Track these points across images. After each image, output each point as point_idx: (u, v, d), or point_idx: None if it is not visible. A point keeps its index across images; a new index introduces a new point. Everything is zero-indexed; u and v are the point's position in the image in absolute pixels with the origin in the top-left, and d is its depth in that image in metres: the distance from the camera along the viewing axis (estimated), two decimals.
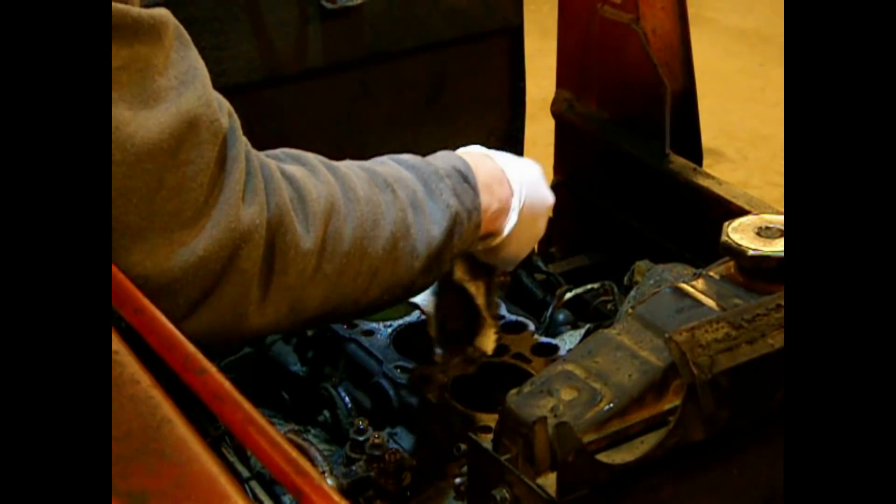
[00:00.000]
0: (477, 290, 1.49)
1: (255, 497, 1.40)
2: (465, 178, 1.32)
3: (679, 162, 1.79)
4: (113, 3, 0.94)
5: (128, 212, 0.99)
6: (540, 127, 2.16)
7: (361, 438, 1.41)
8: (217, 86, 1.10)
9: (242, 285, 1.11)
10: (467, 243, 1.34)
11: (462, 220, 1.31)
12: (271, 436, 0.74)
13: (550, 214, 1.49)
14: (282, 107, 1.67)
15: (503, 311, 1.63)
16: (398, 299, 1.32)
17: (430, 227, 1.27)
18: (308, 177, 1.19)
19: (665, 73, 1.77)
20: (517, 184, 1.38)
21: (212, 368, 0.80)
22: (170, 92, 0.99)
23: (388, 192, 1.25)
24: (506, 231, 1.38)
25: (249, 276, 1.11)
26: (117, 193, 0.98)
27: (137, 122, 0.97)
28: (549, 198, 1.46)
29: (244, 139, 1.11)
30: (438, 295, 1.49)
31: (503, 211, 1.37)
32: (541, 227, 1.47)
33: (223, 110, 1.07)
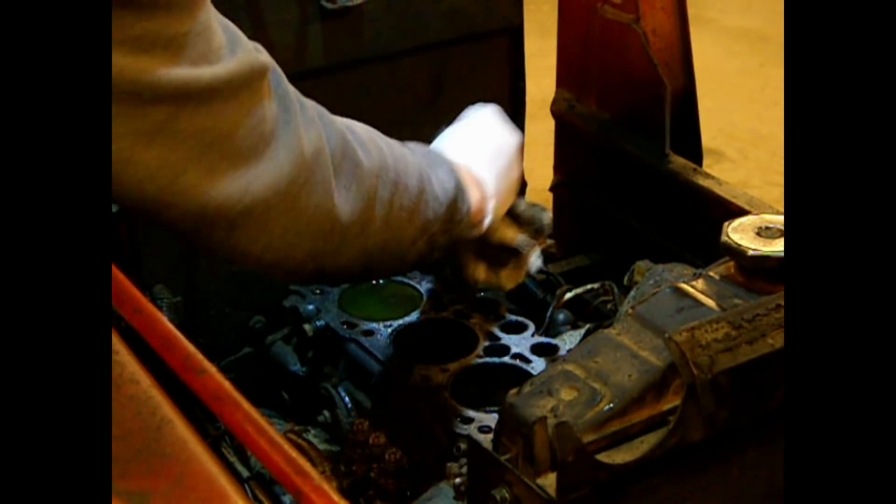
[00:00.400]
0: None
1: (255, 497, 1.40)
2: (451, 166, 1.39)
3: (679, 162, 1.79)
4: None
5: (220, 152, 1.08)
6: (540, 127, 2.16)
7: (361, 438, 1.41)
8: None
9: (326, 201, 1.19)
10: (464, 221, 1.39)
11: (462, 188, 1.37)
12: (271, 436, 0.74)
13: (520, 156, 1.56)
14: None
15: (503, 311, 1.63)
16: (426, 257, 1.37)
17: (443, 180, 1.35)
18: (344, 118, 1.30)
19: (665, 73, 1.77)
20: (485, 175, 1.44)
21: (211, 368, 0.80)
22: (224, 48, 1.07)
23: (404, 147, 1.34)
24: (487, 221, 1.45)
25: (328, 195, 1.20)
26: (208, 138, 1.06)
27: (208, 74, 1.05)
28: (512, 143, 1.53)
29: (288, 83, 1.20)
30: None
31: (483, 200, 1.43)
32: (516, 176, 1.54)
33: (262, 53, 1.15)
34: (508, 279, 1.55)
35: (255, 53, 1.11)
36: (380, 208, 1.27)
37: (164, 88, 0.99)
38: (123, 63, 0.96)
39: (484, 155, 1.46)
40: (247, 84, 1.09)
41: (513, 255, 1.54)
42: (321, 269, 1.26)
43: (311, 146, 1.17)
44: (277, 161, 1.13)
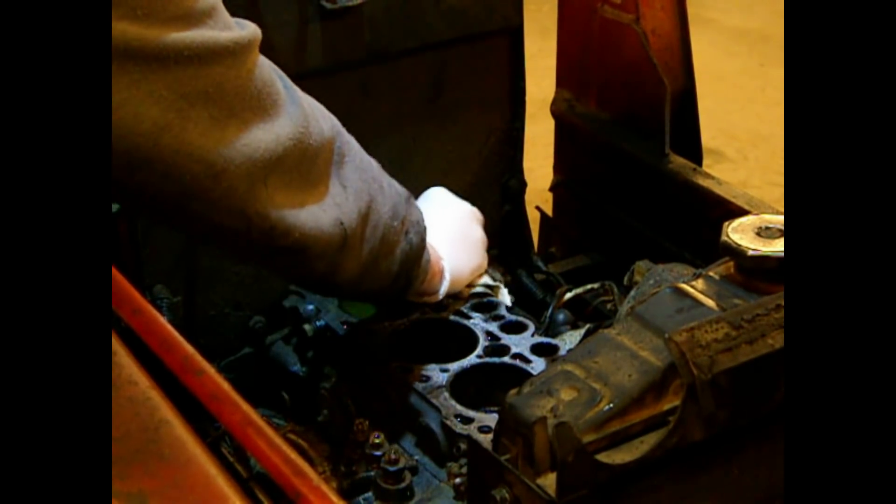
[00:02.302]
0: None
1: (255, 497, 1.40)
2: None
3: (679, 162, 1.79)
4: None
5: (252, 108, 1.16)
6: (540, 127, 2.16)
7: (361, 439, 1.41)
8: None
9: (328, 159, 1.29)
10: (418, 252, 1.44)
11: (413, 206, 1.44)
12: (269, 436, 0.74)
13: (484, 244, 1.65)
14: None
15: (503, 310, 1.63)
16: (392, 254, 1.40)
17: (397, 187, 1.42)
18: None
19: (665, 73, 1.77)
20: (442, 254, 1.53)
21: (210, 369, 0.80)
22: (231, 20, 1.15)
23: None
24: (441, 292, 1.53)
25: (325, 153, 1.28)
26: (246, 94, 1.15)
27: (241, 35, 1.15)
28: (478, 236, 1.63)
29: None
30: None
31: (440, 273, 1.52)
32: (476, 264, 1.63)
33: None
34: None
35: (251, 27, 1.17)
36: (355, 178, 1.33)
37: (215, 49, 1.09)
38: (180, 34, 1.05)
39: (444, 238, 1.53)
40: (253, 53, 1.16)
41: None
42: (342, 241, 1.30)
43: (304, 106, 1.25)
44: (293, 113, 1.21)
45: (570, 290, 1.70)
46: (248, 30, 1.16)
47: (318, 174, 1.27)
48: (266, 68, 1.19)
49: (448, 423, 1.39)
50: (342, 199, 1.30)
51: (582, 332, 1.59)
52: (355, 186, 1.32)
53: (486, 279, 1.66)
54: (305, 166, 1.24)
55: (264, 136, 1.17)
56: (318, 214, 1.26)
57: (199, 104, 1.09)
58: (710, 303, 1.19)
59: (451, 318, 1.61)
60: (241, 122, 1.14)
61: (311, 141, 1.24)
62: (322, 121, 1.28)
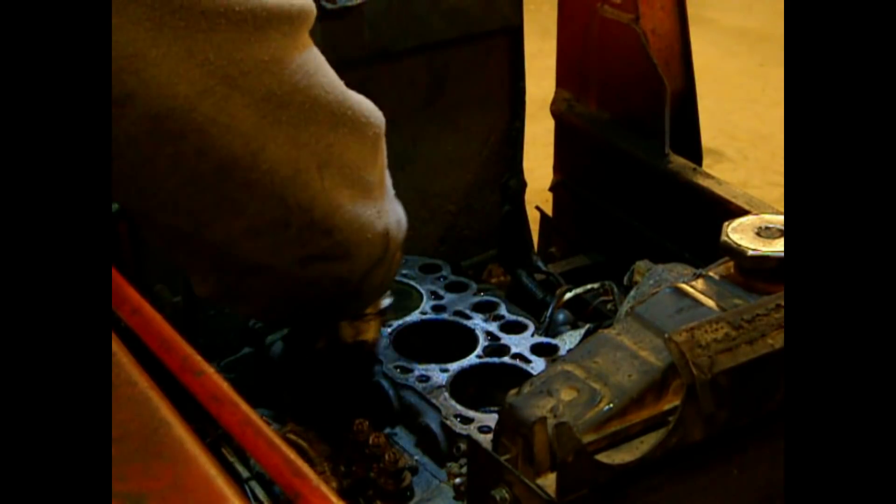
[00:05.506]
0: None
1: (255, 497, 1.40)
2: None
3: (679, 162, 1.79)
4: None
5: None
6: (540, 127, 2.16)
7: (361, 439, 1.41)
8: None
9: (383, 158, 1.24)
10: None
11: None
12: (269, 437, 0.74)
13: None
14: None
15: (503, 310, 1.62)
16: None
17: None
18: None
19: (665, 73, 1.77)
20: None
21: (209, 370, 0.80)
22: None
23: None
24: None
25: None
26: None
27: None
28: None
29: None
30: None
31: None
32: None
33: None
34: (371, 332, 1.54)
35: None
36: None
37: (273, 13, 1.01)
38: None
39: None
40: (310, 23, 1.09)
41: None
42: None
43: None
44: (357, 101, 1.19)
45: (570, 290, 1.70)
46: (299, 2, 1.06)
47: (377, 172, 1.16)
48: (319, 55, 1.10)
49: (448, 423, 1.39)
50: (391, 206, 1.20)
51: (582, 332, 1.59)
52: (392, 191, 1.23)
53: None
54: (364, 160, 1.13)
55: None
56: (370, 218, 1.15)
57: (252, 74, 0.98)
58: (710, 303, 1.18)
59: (451, 318, 1.61)
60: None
61: (376, 133, 1.15)
62: (381, 117, 1.20)
